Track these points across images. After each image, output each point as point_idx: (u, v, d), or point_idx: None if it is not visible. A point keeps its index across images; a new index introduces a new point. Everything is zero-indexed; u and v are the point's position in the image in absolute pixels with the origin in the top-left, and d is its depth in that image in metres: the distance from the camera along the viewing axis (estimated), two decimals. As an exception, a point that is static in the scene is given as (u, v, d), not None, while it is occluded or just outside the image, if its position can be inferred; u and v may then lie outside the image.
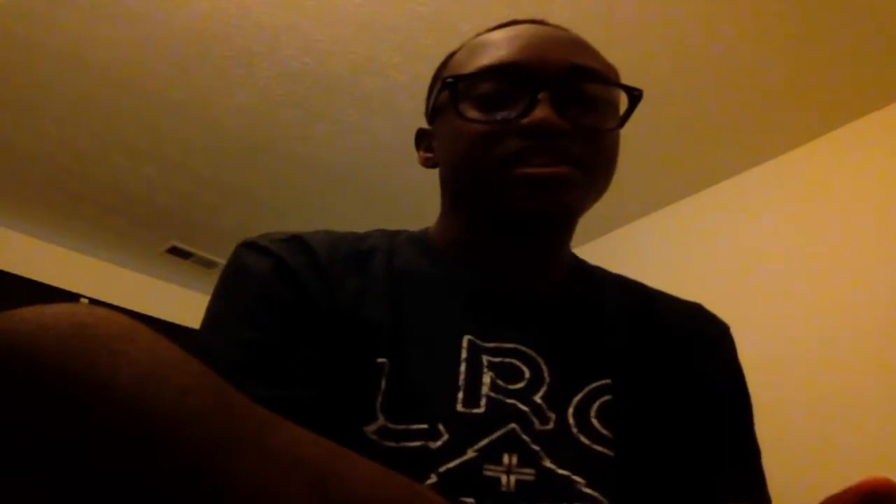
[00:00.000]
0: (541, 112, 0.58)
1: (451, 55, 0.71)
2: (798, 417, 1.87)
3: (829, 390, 1.88)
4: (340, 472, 0.36)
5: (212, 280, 3.71)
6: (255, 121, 2.46)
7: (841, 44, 1.87)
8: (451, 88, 0.63)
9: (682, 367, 0.64)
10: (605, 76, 0.63)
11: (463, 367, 0.57)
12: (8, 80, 2.37)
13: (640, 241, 2.65)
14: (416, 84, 2.19)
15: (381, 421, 0.54)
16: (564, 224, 0.65)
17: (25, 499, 0.31)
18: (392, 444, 0.53)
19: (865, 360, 1.85)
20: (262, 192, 2.90)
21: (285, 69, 2.21)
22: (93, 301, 3.38)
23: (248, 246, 0.61)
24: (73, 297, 3.38)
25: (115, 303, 3.37)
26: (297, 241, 0.62)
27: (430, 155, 0.72)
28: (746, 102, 2.10)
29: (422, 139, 0.74)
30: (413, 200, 2.75)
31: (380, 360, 0.56)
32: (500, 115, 0.60)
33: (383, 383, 0.55)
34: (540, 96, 0.59)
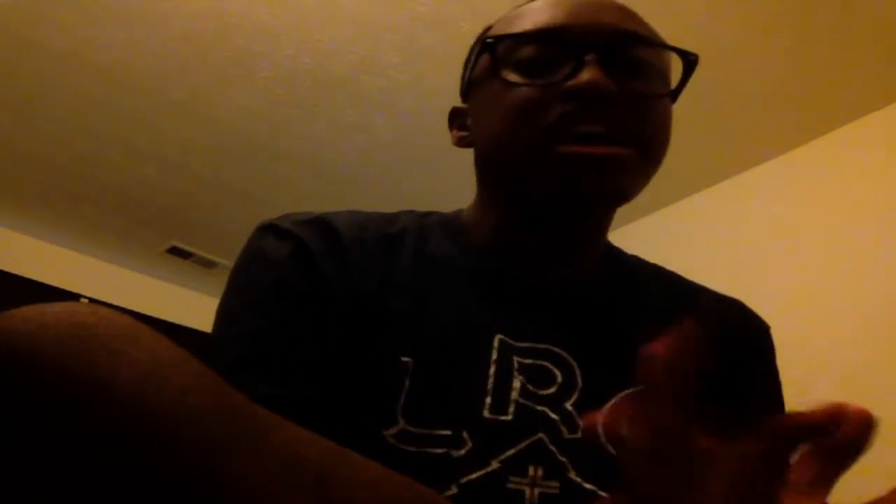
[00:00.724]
0: (588, 74, 0.53)
1: (490, 26, 0.66)
2: (798, 417, 1.87)
3: (830, 390, 1.88)
4: (340, 472, 0.36)
5: (212, 280, 3.73)
6: (255, 121, 2.46)
7: (841, 44, 1.87)
8: (492, 51, 0.58)
9: (723, 374, 0.61)
10: (656, 40, 0.59)
11: (492, 370, 0.54)
12: (8, 80, 2.37)
13: (639, 242, 2.65)
14: (416, 84, 2.19)
15: (401, 424, 0.51)
16: (611, 208, 0.60)
17: (25, 499, 0.31)
18: (412, 449, 0.50)
19: (867, 359, 1.85)
20: (262, 192, 2.90)
21: (285, 69, 2.21)
22: (93, 301, 3.38)
23: (267, 228, 0.58)
24: (73, 297, 3.38)
25: (115, 303, 3.37)
26: (320, 223, 0.58)
27: (464, 133, 0.66)
28: (746, 102, 2.10)
29: (455, 118, 0.68)
30: (413, 200, 2.75)
31: (404, 358, 0.52)
32: (543, 80, 0.55)
33: (406, 384, 0.52)
34: (587, 58, 0.54)
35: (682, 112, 2.34)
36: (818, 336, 1.98)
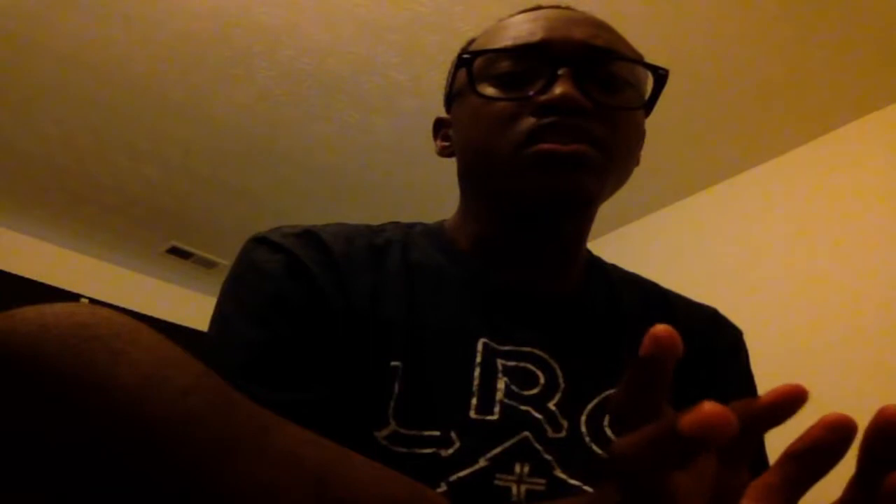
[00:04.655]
0: (560, 88, 0.55)
1: (473, 40, 0.68)
2: (797, 419, 1.87)
3: (829, 391, 1.88)
4: (340, 471, 0.36)
5: (212, 280, 3.72)
6: (255, 121, 2.46)
7: (841, 44, 1.87)
8: (468, 66, 0.60)
9: (698, 375, 0.61)
10: (628, 55, 0.61)
11: (477, 372, 0.56)
12: (8, 80, 2.37)
13: (639, 242, 2.65)
14: (416, 84, 2.19)
15: (392, 426, 0.52)
16: (583, 209, 0.61)
17: (25, 499, 0.31)
18: (403, 449, 0.52)
19: (865, 360, 1.85)
20: (262, 192, 2.90)
21: (285, 69, 2.21)
22: (93, 301, 3.37)
23: (260, 241, 0.59)
24: (73, 297, 3.38)
25: (115, 303, 3.37)
26: (310, 236, 0.59)
27: (446, 143, 0.69)
28: (746, 102, 2.10)
29: (439, 128, 0.71)
30: (413, 200, 2.75)
31: (394, 363, 0.54)
32: (518, 94, 0.58)
33: (396, 388, 0.53)
34: (560, 73, 0.56)
35: (681, 112, 2.34)
36: (817, 336, 1.98)
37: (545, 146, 0.55)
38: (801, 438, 0.32)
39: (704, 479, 0.32)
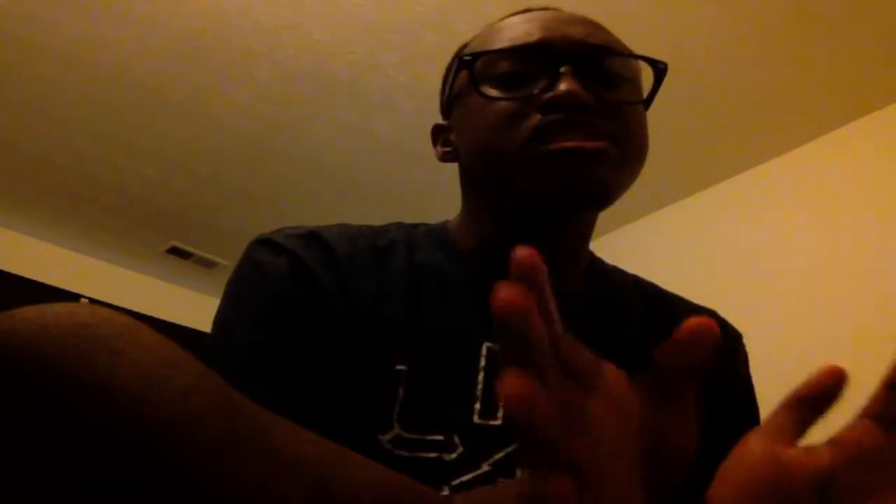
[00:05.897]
0: (565, 85, 0.56)
1: (465, 44, 0.69)
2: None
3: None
4: (341, 472, 0.36)
5: (212, 280, 3.72)
6: (255, 121, 2.46)
7: (841, 44, 1.87)
8: (470, 67, 0.60)
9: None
10: (627, 51, 0.62)
11: (481, 376, 0.56)
12: (8, 80, 2.37)
13: (638, 242, 2.65)
14: (416, 84, 2.19)
15: (396, 430, 0.52)
16: (598, 206, 0.60)
17: (25, 499, 0.31)
18: (406, 453, 0.52)
19: (866, 359, 1.85)
20: (262, 192, 2.90)
21: (285, 69, 2.21)
22: (93, 301, 3.37)
23: (263, 242, 0.59)
24: (73, 297, 3.37)
25: (115, 303, 3.37)
26: (313, 237, 0.59)
27: (447, 148, 0.68)
28: (746, 102, 2.10)
29: (438, 134, 0.71)
30: (413, 200, 2.75)
31: (398, 367, 0.54)
32: (521, 93, 0.58)
33: (401, 391, 0.53)
34: (562, 70, 0.57)
35: (681, 112, 2.33)
36: (817, 337, 1.98)
37: (566, 144, 0.55)
38: (803, 385, 0.38)
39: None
